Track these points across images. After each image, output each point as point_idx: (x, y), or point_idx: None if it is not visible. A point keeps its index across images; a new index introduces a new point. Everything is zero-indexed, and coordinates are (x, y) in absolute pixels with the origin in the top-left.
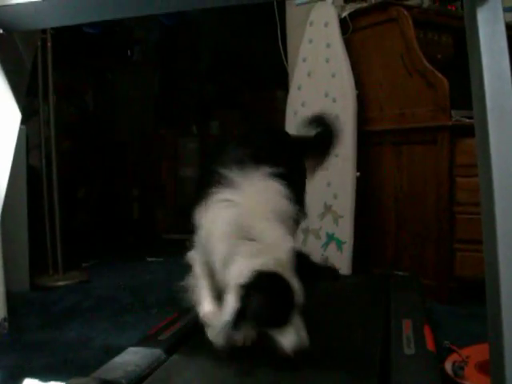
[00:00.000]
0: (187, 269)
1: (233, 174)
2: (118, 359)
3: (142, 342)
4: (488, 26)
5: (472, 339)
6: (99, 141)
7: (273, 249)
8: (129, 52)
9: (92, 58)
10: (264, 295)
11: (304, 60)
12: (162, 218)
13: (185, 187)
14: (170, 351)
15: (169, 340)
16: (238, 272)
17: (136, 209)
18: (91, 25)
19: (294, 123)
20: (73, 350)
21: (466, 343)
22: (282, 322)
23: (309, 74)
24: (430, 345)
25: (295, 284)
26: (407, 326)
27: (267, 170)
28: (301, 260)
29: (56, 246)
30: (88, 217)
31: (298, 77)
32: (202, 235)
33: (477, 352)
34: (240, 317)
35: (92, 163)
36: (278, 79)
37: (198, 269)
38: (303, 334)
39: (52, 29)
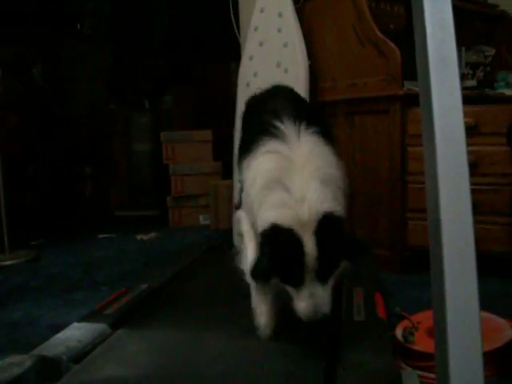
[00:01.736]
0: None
1: (284, 127)
2: (61, 335)
3: (87, 317)
4: None
5: (424, 307)
6: (49, 116)
7: (300, 205)
8: (78, 25)
9: (41, 30)
10: (270, 248)
11: (256, 29)
12: (114, 195)
13: (138, 163)
14: (115, 326)
15: (114, 315)
16: (260, 222)
17: (89, 186)
18: None
19: (247, 94)
20: (19, 329)
21: (418, 310)
22: (292, 280)
23: (260, 44)
24: (381, 312)
25: (309, 244)
26: (358, 295)
27: (317, 130)
28: (330, 227)
29: (1, 225)
30: (38, 195)
31: (250, 47)
32: (246, 188)
33: (427, 318)
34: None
35: (41, 140)
36: (231, 51)
37: (246, 227)
38: (319, 300)
39: None
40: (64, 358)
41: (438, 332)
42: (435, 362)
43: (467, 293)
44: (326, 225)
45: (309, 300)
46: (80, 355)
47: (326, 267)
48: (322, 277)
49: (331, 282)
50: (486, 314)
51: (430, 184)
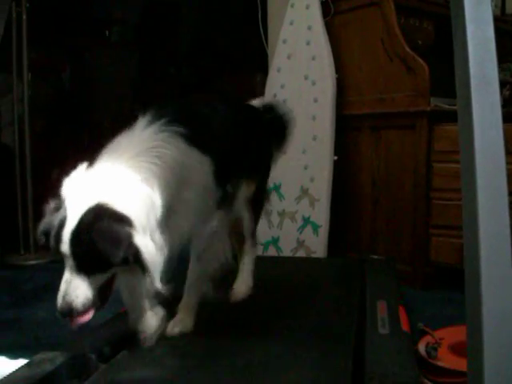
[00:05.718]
0: None
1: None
2: (89, 335)
3: (114, 318)
4: None
5: (446, 322)
6: (75, 121)
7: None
8: (107, 32)
9: (70, 36)
10: None
11: (284, 42)
12: None
13: None
14: None
15: None
16: None
17: None
18: None
19: None
20: (43, 328)
21: (439, 326)
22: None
23: (289, 57)
24: (405, 325)
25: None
26: (382, 307)
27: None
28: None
29: (27, 225)
30: None
31: (278, 59)
32: None
33: (450, 334)
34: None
35: (67, 144)
36: (258, 62)
37: None
38: (73, 293)
39: (27, 2)
40: (93, 356)
41: (472, 349)
42: (468, 379)
43: (505, 309)
44: (96, 215)
45: (61, 291)
46: (108, 355)
47: (85, 257)
48: (81, 268)
49: (98, 279)
50: None
51: (468, 200)
